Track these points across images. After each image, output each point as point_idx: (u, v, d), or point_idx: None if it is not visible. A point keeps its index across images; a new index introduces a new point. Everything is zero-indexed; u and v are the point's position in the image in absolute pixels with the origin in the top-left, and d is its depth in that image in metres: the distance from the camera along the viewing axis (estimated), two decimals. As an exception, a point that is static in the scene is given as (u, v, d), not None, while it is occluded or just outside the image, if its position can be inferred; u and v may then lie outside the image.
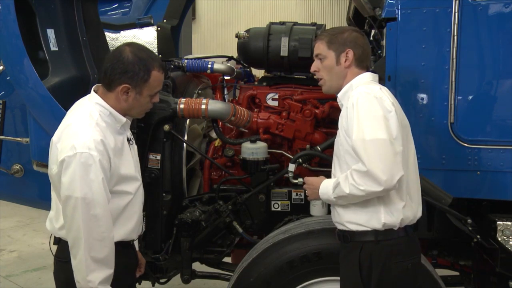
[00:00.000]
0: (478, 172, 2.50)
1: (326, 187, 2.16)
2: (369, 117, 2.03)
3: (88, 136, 1.99)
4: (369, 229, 2.11)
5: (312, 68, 2.29)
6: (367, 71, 2.24)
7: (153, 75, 2.08)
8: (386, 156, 1.99)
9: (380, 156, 1.98)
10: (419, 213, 2.21)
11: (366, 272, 2.11)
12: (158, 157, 2.85)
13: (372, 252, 2.10)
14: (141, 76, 2.06)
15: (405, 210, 2.11)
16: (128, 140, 2.22)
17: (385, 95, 2.10)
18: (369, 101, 2.05)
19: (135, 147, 2.30)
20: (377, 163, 1.97)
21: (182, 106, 2.78)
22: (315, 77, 2.35)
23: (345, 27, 2.31)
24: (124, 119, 2.15)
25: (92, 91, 2.15)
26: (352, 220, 2.14)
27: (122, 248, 2.17)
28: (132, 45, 2.13)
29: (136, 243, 2.38)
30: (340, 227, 2.22)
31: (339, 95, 2.25)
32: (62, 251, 2.15)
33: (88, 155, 1.95)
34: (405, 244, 2.14)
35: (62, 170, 1.98)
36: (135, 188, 2.18)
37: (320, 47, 2.24)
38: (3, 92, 3.34)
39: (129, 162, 2.17)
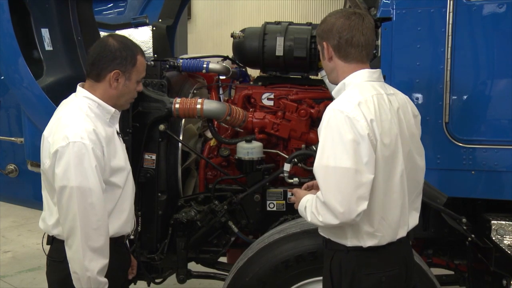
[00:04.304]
0: (473, 172, 2.51)
1: (302, 204, 2.02)
2: (337, 141, 1.84)
3: (80, 126, 2.02)
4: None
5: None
6: (364, 64, 2.02)
7: (139, 60, 2.17)
8: (347, 187, 1.81)
9: (340, 187, 1.82)
10: (400, 234, 2.01)
11: (337, 282, 2.00)
12: (154, 157, 2.85)
13: (342, 261, 1.98)
14: (129, 61, 2.14)
15: (374, 237, 1.95)
16: (118, 133, 2.24)
17: (360, 114, 1.85)
18: (339, 122, 1.85)
19: (122, 141, 2.32)
20: (334, 194, 1.82)
21: (177, 105, 2.78)
22: None
23: (332, 13, 2.04)
24: (112, 109, 2.18)
25: (78, 87, 2.19)
26: (324, 233, 2.05)
27: (116, 245, 2.17)
28: (113, 35, 2.24)
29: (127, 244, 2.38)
30: None
31: (333, 93, 2.09)
32: (56, 251, 2.15)
33: (81, 144, 1.98)
34: (379, 255, 1.97)
35: (56, 161, 2.00)
36: (124, 179, 2.20)
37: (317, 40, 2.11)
38: (-3, 92, 3.33)
39: (120, 154, 2.20)
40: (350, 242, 1.96)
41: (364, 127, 1.85)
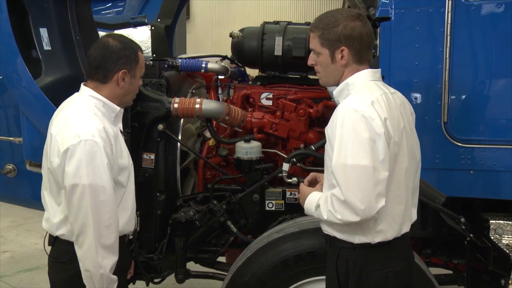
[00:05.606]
0: (471, 171, 2.51)
1: (311, 202, 2.04)
2: (353, 140, 1.86)
3: (90, 124, 2.03)
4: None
5: (309, 62, 2.10)
6: (369, 64, 2.06)
7: (140, 56, 2.20)
8: (367, 185, 1.85)
9: (360, 184, 1.85)
10: (404, 229, 2.05)
11: (343, 280, 2.01)
12: (152, 156, 2.85)
13: (348, 258, 2.00)
14: (132, 58, 2.16)
15: (382, 232, 1.98)
16: (121, 132, 2.25)
17: (375, 113, 1.89)
18: (355, 121, 1.87)
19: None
20: (355, 192, 1.85)
21: (176, 105, 2.78)
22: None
23: (340, 15, 2.00)
24: (117, 108, 2.19)
25: (82, 86, 2.19)
26: (329, 231, 2.06)
27: (119, 245, 2.17)
28: (111, 35, 2.25)
29: None
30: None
31: (334, 93, 2.08)
32: (58, 252, 2.15)
33: (93, 142, 1.99)
34: (385, 252, 2.00)
35: (66, 159, 1.99)
36: (127, 178, 2.21)
37: (313, 42, 2.04)
38: (-5, 92, 3.32)
39: (125, 153, 2.21)
40: (358, 239, 1.98)
41: (379, 125, 1.88)
